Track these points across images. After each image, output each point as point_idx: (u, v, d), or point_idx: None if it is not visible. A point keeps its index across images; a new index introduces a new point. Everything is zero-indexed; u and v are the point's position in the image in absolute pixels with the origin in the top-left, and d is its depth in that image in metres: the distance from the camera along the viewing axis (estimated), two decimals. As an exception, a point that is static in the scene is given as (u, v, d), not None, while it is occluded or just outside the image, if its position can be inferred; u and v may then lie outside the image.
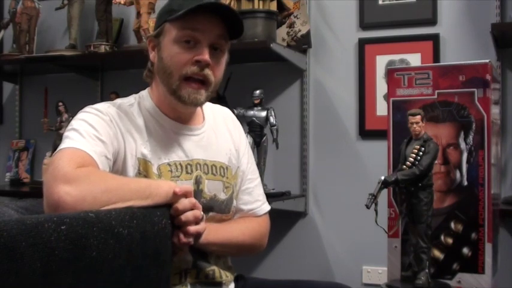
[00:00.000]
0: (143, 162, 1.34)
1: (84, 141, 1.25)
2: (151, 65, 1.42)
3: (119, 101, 1.42)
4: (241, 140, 1.54)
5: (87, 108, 1.36)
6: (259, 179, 1.56)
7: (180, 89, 1.33)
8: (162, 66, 1.36)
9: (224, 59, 1.39)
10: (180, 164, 1.37)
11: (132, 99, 1.43)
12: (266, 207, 1.55)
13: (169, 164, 1.36)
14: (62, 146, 1.24)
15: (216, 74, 1.36)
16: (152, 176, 1.33)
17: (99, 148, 1.26)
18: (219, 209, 1.42)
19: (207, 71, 1.33)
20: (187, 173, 1.38)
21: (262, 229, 1.51)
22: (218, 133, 1.48)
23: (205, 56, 1.32)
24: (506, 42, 2.28)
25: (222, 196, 1.43)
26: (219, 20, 1.33)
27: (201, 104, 1.39)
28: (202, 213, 1.21)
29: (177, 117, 1.41)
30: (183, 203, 1.17)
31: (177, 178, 1.36)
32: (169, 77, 1.34)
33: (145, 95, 1.43)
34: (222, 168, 1.44)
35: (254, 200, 1.52)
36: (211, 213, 1.40)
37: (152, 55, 1.40)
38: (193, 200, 1.19)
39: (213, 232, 1.33)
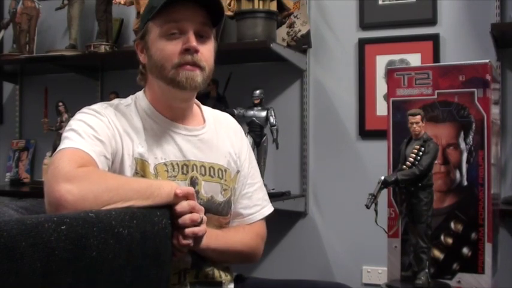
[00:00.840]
0: (140, 162, 1.34)
1: (83, 141, 1.25)
2: (143, 68, 1.43)
3: (116, 101, 1.42)
4: (243, 146, 1.54)
5: (85, 109, 1.36)
6: (259, 183, 1.56)
7: (177, 75, 1.33)
8: (153, 62, 1.36)
9: (212, 45, 1.39)
10: (177, 164, 1.37)
11: (129, 100, 1.43)
12: (266, 211, 1.55)
13: (165, 164, 1.36)
14: (62, 146, 1.25)
15: (206, 59, 1.36)
16: (149, 176, 1.33)
17: (98, 148, 1.26)
18: (216, 211, 1.41)
19: (197, 57, 1.33)
20: (183, 173, 1.37)
21: (258, 239, 1.51)
22: (218, 136, 1.48)
23: (193, 42, 1.32)
24: (506, 42, 2.28)
25: (220, 198, 1.42)
26: (199, 8, 1.34)
27: (199, 87, 1.37)
28: (201, 215, 1.21)
29: (173, 116, 1.41)
30: (181, 206, 1.17)
31: (174, 178, 1.36)
32: (163, 70, 1.34)
33: (141, 96, 1.44)
34: (221, 170, 1.44)
35: (253, 204, 1.52)
36: (209, 214, 1.40)
37: (142, 57, 1.41)
38: (192, 202, 1.19)
39: (213, 238, 1.33)
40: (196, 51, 1.33)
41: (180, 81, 1.33)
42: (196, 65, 1.34)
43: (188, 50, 1.32)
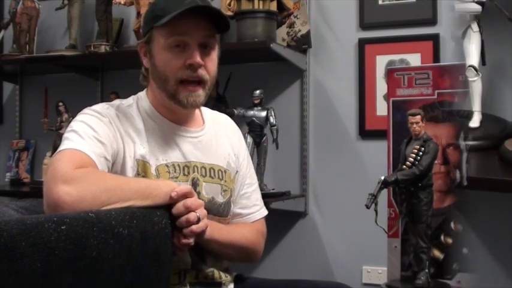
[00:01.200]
0: (142, 163, 1.34)
1: (83, 142, 1.25)
2: (145, 70, 1.43)
3: (117, 102, 1.42)
4: (241, 146, 1.55)
5: (86, 110, 1.36)
6: (257, 185, 1.57)
7: (178, 93, 1.34)
8: (157, 73, 1.37)
9: (215, 54, 1.39)
10: (178, 165, 1.37)
11: (130, 100, 1.43)
12: (264, 211, 1.55)
13: (167, 165, 1.36)
14: (61, 147, 1.25)
15: (209, 71, 1.36)
16: (150, 177, 1.33)
17: (98, 149, 1.26)
18: (216, 212, 1.42)
19: (201, 72, 1.34)
20: (184, 174, 1.38)
21: (259, 235, 1.51)
22: (218, 138, 1.48)
23: (197, 58, 1.32)
24: (506, 42, 2.28)
25: (220, 199, 1.42)
26: (205, 19, 1.34)
27: (200, 105, 1.39)
28: (199, 213, 1.20)
29: (174, 118, 1.41)
30: (176, 208, 1.18)
31: (175, 179, 1.36)
32: (166, 83, 1.35)
33: (143, 97, 1.44)
34: (221, 171, 1.44)
35: (252, 204, 1.52)
36: (209, 216, 1.40)
37: (145, 61, 1.41)
38: (188, 201, 1.19)
39: (216, 230, 1.34)
40: (200, 65, 1.33)
41: (181, 100, 1.34)
42: (199, 81, 1.34)
43: (191, 65, 1.33)
